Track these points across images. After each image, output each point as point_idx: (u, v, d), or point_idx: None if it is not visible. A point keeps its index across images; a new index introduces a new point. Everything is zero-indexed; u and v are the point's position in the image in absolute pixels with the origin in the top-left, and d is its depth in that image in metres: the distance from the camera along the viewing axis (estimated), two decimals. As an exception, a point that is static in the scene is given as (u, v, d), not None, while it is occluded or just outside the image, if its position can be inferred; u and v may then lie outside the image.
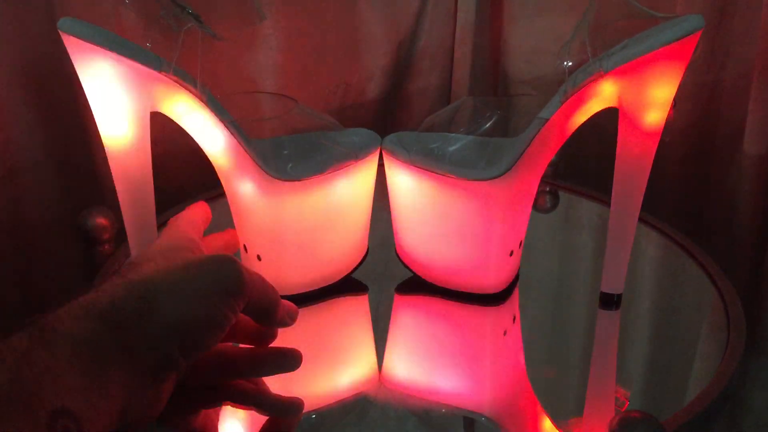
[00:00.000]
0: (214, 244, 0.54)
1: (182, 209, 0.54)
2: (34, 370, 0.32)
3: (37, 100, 0.72)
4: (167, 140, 0.76)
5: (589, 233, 0.74)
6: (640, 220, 0.59)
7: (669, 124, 0.53)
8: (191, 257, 0.41)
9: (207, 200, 0.62)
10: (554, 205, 0.79)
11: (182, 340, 0.37)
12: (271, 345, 0.45)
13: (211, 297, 0.38)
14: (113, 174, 0.52)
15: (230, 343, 0.45)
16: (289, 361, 0.44)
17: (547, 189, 0.80)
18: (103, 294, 0.36)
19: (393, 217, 0.61)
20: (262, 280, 0.41)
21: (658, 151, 0.53)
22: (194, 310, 0.37)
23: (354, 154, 0.56)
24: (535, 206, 0.77)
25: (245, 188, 0.54)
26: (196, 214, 0.51)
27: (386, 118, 0.93)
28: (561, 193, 0.80)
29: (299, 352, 0.44)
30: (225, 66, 0.79)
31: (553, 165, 0.80)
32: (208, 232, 0.54)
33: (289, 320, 0.44)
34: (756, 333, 0.76)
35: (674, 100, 0.51)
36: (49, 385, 0.32)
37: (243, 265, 0.40)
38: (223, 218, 0.59)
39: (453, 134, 0.59)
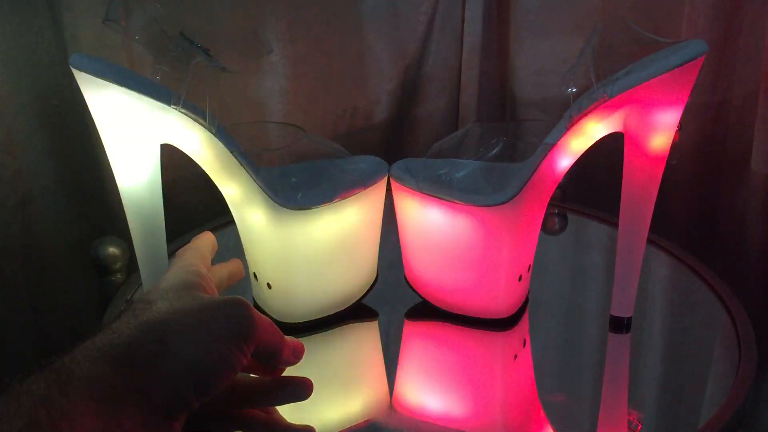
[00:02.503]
0: (220, 274, 0.55)
1: (190, 237, 0.55)
2: (51, 414, 0.32)
3: (48, 129, 0.73)
4: (177, 167, 0.77)
5: (598, 255, 0.74)
6: (649, 241, 0.58)
7: (676, 146, 0.53)
8: (204, 298, 0.41)
9: (217, 227, 0.63)
10: (563, 227, 0.79)
11: (196, 381, 0.37)
12: (283, 374, 0.45)
13: (224, 340, 0.39)
14: (124, 205, 0.52)
15: (242, 373, 0.46)
16: (300, 390, 0.44)
17: (556, 211, 0.80)
18: (118, 335, 0.37)
19: (402, 244, 0.61)
20: (270, 323, 0.42)
21: (666, 172, 0.53)
22: (208, 353, 0.38)
23: (362, 182, 0.56)
24: (544, 228, 0.77)
25: (255, 217, 0.55)
26: (202, 245, 0.52)
27: (394, 141, 0.93)
28: (570, 216, 0.80)
29: (310, 381, 0.44)
30: (234, 93, 0.79)
31: (561, 187, 0.80)
32: (217, 258, 0.55)
33: (293, 359, 0.44)
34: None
35: (679, 123, 0.52)
36: (65, 428, 0.32)
37: (253, 308, 0.40)
38: (233, 244, 0.59)
39: (460, 160, 0.59)
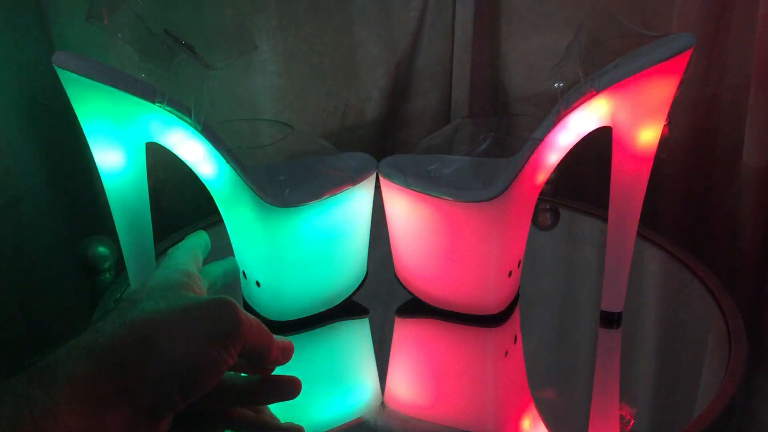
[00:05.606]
0: (215, 273, 0.54)
1: (182, 237, 0.54)
2: (34, 414, 0.32)
3: (37, 129, 0.73)
4: (167, 166, 0.77)
5: (590, 250, 0.74)
6: (640, 235, 0.58)
7: (665, 139, 0.53)
8: (191, 298, 0.41)
9: (207, 226, 0.63)
10: (555, 223, 0.79)
11: (181, 381, 0.37)
12: (273, 373, 0.45)
13: (210, 341, 0.38)
14: (110, 204, 0.52)
15: (230, 372, 0.45)
16: (289, 389, 0.44)
17: (548, 206, 0.80)
18: (103, 335, 0.37)
19: (391, 240, 0.61)
20: (258, 323, 0.42)
21: (657, 167, 0.53)
22: (193, 353, 0.38)
23: (350, 179, 0.56)
24: (536, 224, 0.77)
25: (243, 215, 0.55)
26: (194, 244, 0.51)
27: (386, 138, 0.93)
28: (562, 211, 0.79)
29: (298, 380, 0.44)
30: (223, 91, 0.79)
31: (552, 182, 0.80)
32: (208, 257, 0.54)
33: (283, 359, 0.44)
34: (762, 347, 0.75)
35: (668, 117, 0.51)
36: (48, 427, 0.32)
37: (240, 308, 0.40)
38: (223, 242, 0.59)
39: (449, 156, 0.59)
